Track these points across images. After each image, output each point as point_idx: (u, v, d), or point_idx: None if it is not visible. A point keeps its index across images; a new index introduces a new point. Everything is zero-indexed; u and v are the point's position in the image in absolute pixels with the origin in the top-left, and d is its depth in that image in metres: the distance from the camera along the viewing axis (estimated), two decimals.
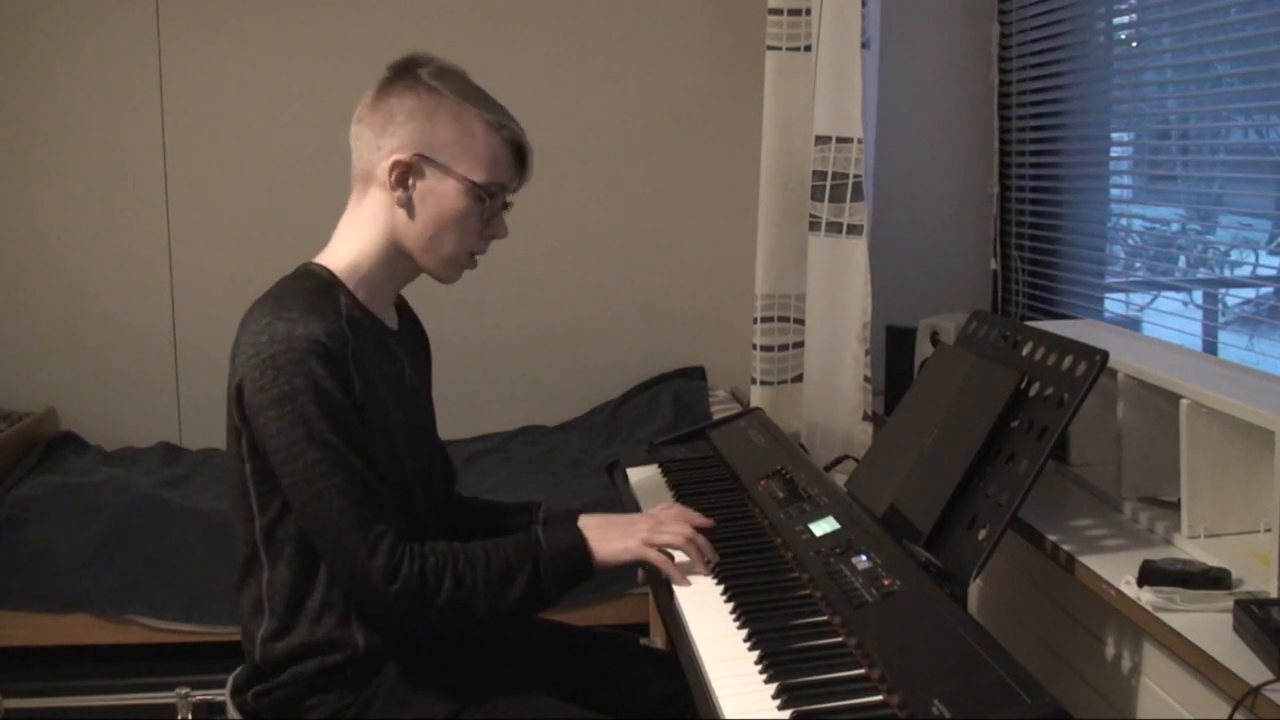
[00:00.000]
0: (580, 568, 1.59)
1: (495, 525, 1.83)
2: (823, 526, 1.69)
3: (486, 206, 1.61)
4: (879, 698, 1.27)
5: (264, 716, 1.59)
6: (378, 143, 1.59)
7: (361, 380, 1.52)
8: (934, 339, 2.50)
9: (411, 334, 1.77)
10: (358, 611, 1.55)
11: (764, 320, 2.76)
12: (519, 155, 1.64)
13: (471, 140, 1.58)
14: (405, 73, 1.60)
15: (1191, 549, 1.67)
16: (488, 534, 1.64)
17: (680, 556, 1.64)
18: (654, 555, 1.62)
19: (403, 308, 1.77)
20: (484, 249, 1.66)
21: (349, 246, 1.62)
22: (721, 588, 1.60)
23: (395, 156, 1.57)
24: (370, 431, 1.52)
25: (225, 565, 2.75)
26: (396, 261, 1.62)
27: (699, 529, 1.67)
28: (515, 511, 1.88)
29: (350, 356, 1.51)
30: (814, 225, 2.59)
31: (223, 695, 1.69)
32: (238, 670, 1.65)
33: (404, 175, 1.57)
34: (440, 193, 1.58)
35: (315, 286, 1.57)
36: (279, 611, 1.56)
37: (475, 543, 1.55)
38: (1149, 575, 1.54)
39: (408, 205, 1.58)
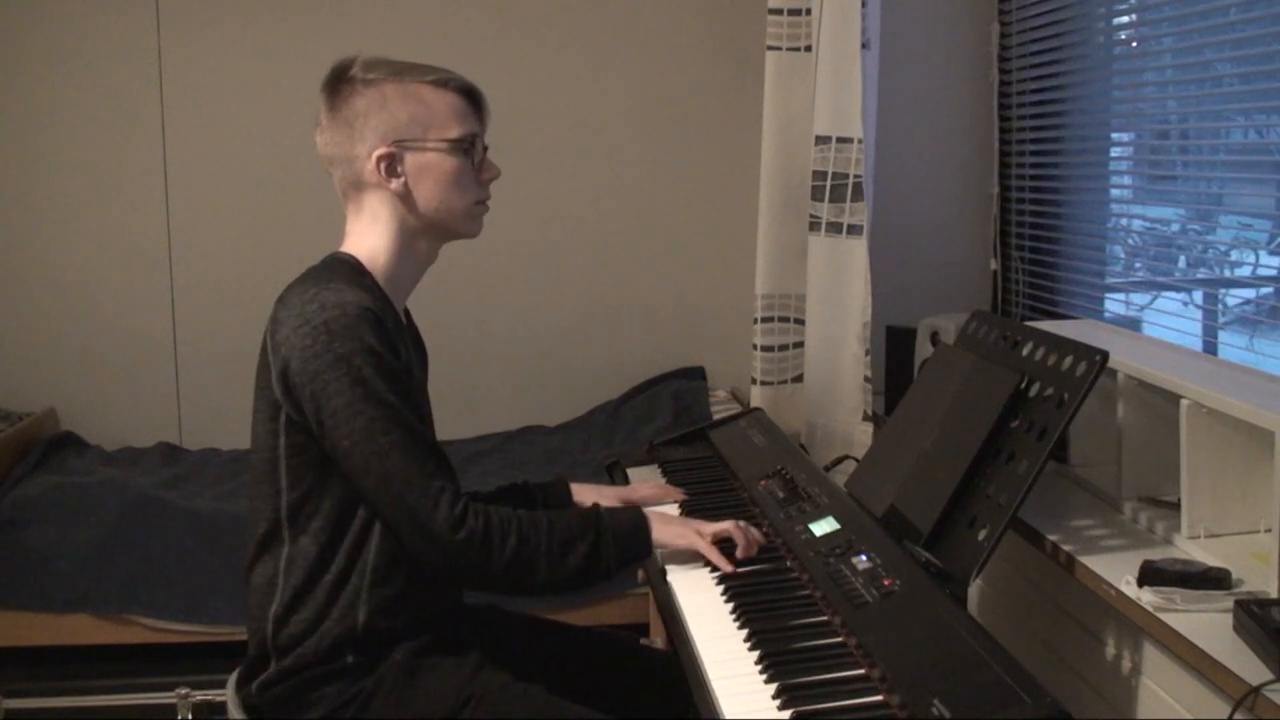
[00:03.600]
0: (640, 546, 1.64)
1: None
2: (823, 526, 1.69)
3: (472, 156, 1.67)
4: (879, 698, 1.27)
5: (267, 710, 1.60)
6: (352, 151, 1.64)
7: (403, 352, 1.58)
8: (934, 339, 2.50)
9: (414, 334, 1.80)
10: (369, 591, 1.56)
11: (764, 320, 2.76)
12: (472, 98, 1.69)
13: (427, 107, 1.64)
14: (340, 80, 1.66)
15: (1191, 549, 1.67)
16: None
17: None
18: (704, 544, 1.66)
19: (405, 313, 1.78)
20: (487, 194, 1.72)
21: (366, 241, 1.67)
22: (721, 588, 1.60)
23: (375, 154, 1.62)
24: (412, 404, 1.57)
25: (225, 565, 2.79)
26: (411, 250, 1.68)
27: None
28: (501, 495, 1.92)
29: (393, 330, 1.57)
30: (814, 225, 2.59)
31: (223, 695, 1.69)
32: (243, 662, 1.65)
33: (391, 166, 1.63)
34: (427, 165, 1.64)
35: (351, 269, 1.63)
36: (294, 586, 1.57)
37: (539, 513, 1.59)
38: (1149, 575, 1.54)
39: (405, 190, 1.64)
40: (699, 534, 1.67)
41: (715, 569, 1.65)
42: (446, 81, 1.66)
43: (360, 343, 1.51)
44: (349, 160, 1.64)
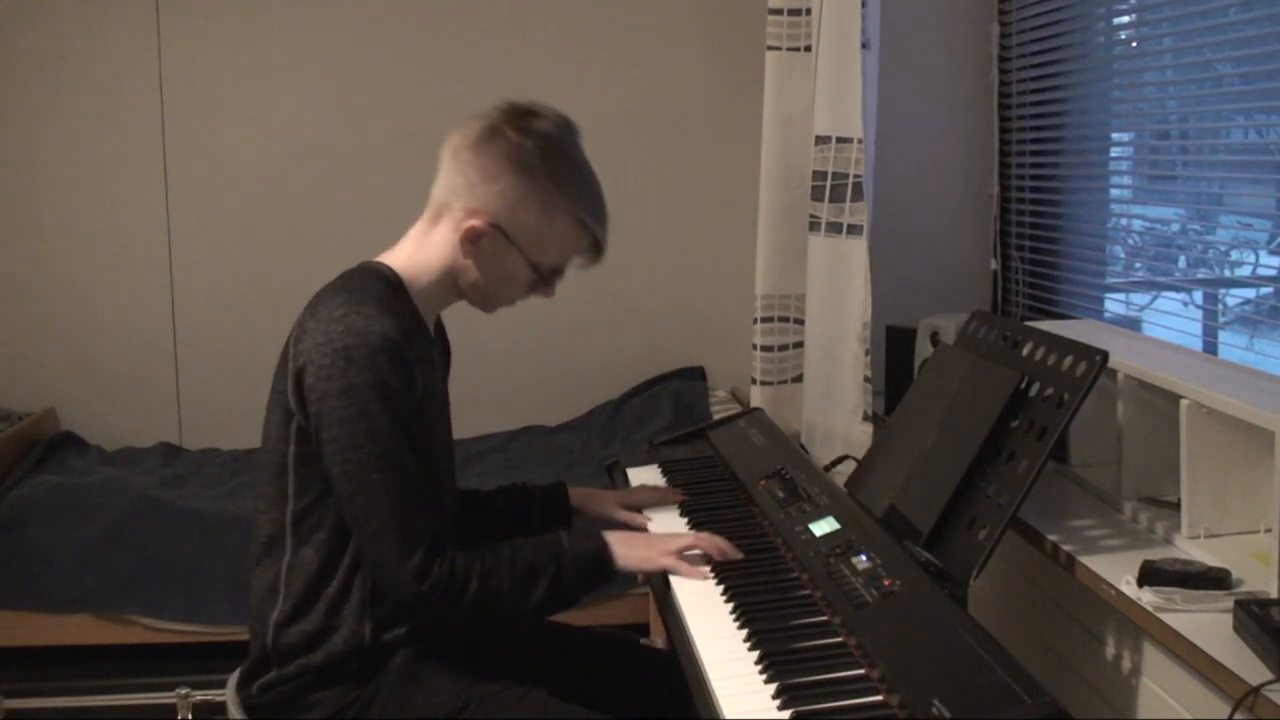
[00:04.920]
0: (603, 572, 1.62)
1: (483, 511, 1.89)
2: (823, 526, 1.69)
3: (546, 282, 1.68)
4: (879, 698, 1.27)
5: (267, 711, 1.60)
6: (465, 191, 1.62)
7: (421, 381, 1.57)
8: (934, 339, 2.50)
9: (442, 343, 1.81)
10: (372, 604, 1.57)
11: (764, 320, 2.76)
12: (594, 249, 1.70)
13: (550, 232, 1.63)
14: (517, 128, 1.62)
15: (1191, 549, 1.67)
16: (477, 521, 1.81)
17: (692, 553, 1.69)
18: (672, 563, 1.65)
19: (437, 322, 1.80)
20: (526, 298, 1.72)
21: (418, 259, 1.67)
22: (721, 588, 1.60)
23: (472, 222, 1.61)
24: (423, 428, 1.57)
25: (225, 565, 2.79)
26: (450, 289, 1.69)
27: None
28: (500, 496, 1.93)
29: (415, 358, 1.56)
30: (814, 225, 2.59)
31: (223, 695, 1.69)
32: (243, 663, 1.65)
33: (475, 237, 1.62)
34: (501, 259, 1.64)
35: (385, 287, 1.61)
36: (295, 595, 1.58)
37: (502, 544, 1.58)
38: (1149, 575, 1.54)
39: (473, 258, 1.64)
40: (664, 553, 1.65)
41: (715, 569, 1.65)
42: (586, 226, 1.65)
43: (375, 375, 1.50)
44: (456, 189, 1.63)
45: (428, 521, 1.52)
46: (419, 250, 1.67)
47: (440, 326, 1.81)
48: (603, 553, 1.62)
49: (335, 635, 1.57)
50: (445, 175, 1.65)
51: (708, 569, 1.65)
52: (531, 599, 1.56)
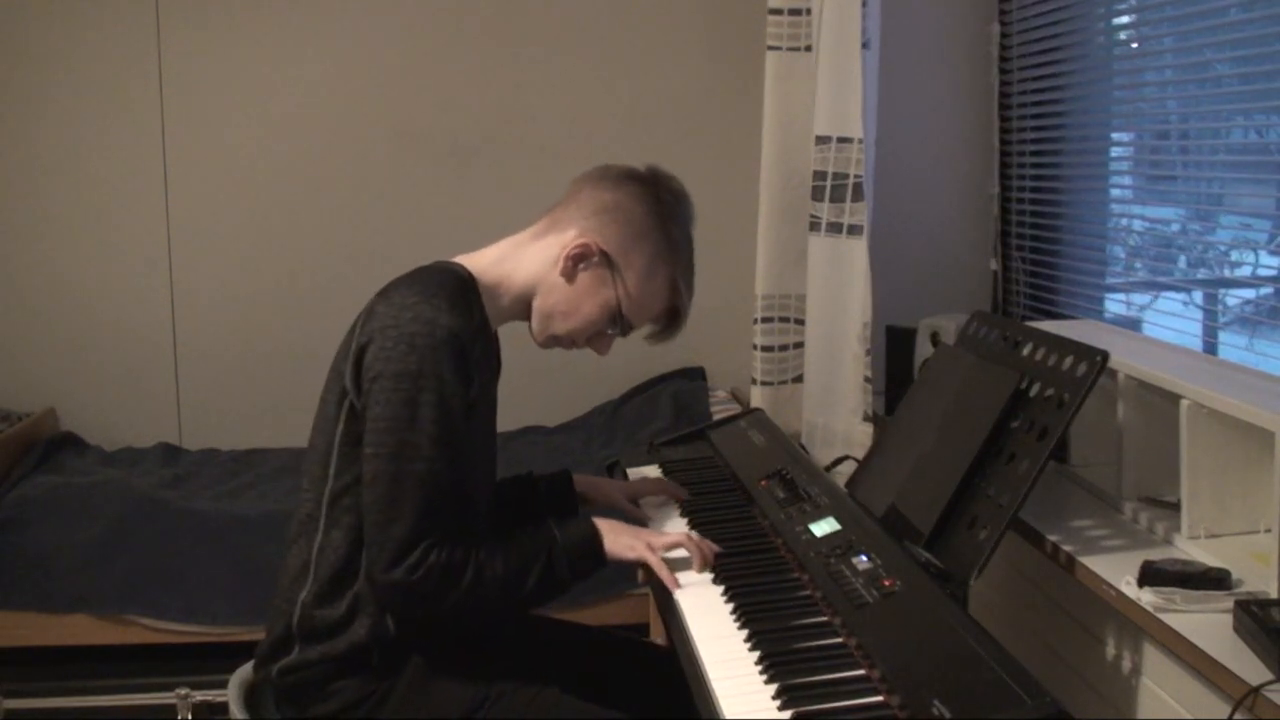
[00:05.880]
0: (594, 558, 1.64)
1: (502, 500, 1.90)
2: (823, 527, 1.69)
3: (612, 327, 1.72)
4: (879, 698, 1.27)
5: (284, 696, 1.61)
6: (588, 214, 1.69)
7: (477, 383, 1.58)
8: (934, 339, 2.50)
9: (497, 350, 1.82)
10: None
11: (764, 320, 2.76)
12: (671, 319, 1.75)
13: (650, 284, 1.70)
14: (652, 186, 1.71)
15: (1191, 549, 1.67)
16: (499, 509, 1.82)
17: (681, 553, 1.68)
18: (654, 558, 1.65)
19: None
20: (580, 348, 1.76)
21: (504, 266, 1.70)
22: (722, 588, 1.60)
23: (590, 239, 1.66)
24: (471, 430, 1.59)
25: (225, 565, 2.79)
26: (522, 305, 1.72)
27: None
28: (506, 487, 1.94)
29: (476, 359, 1.58)
30: (814, 225, 2.59)
31: (223, 695, 1.69)
32: (264, 640, 1.65)
33: (583, 256, 1.67)
34: (594, 289, 1.68)
35: (460, 285, 1.63)
36: (324, 578, 1.58)
37: (496, 538, 1.59)
38: (1149, 575, 1.54)
39: (567, 275, 1.68)
40: (649, 547, 1.66)
41: (715, 569, 1.65)
42: (679, 293, 1.71)
43: (434, 366, 1.51)
44: (579, 211, 1.68)
45: (444, 524, 1.52)
46: (508, 258, 1.70)
47: (496, 336, 1.82)
48: (594, 538, 1.64)
49: (358, 624, 1.57)
50: (571, 199, 1.71)
51: (682, 574, 1.65)
52: (525, 587, 1.56)
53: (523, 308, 1.72)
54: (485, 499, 1.76)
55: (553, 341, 1.74)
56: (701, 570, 1.66)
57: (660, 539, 1.68)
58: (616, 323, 1.70)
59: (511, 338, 1.80)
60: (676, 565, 1.67)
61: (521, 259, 1.70)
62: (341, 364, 1.60)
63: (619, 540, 1.66)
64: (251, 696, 1.68)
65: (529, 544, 1.59)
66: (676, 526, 1.86)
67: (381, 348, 1.53)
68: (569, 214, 1.70)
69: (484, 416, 1.68)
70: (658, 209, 1.69)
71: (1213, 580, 1.53)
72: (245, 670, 1.70)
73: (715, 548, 1.70)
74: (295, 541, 1.63)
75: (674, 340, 1.80)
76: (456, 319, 1.54)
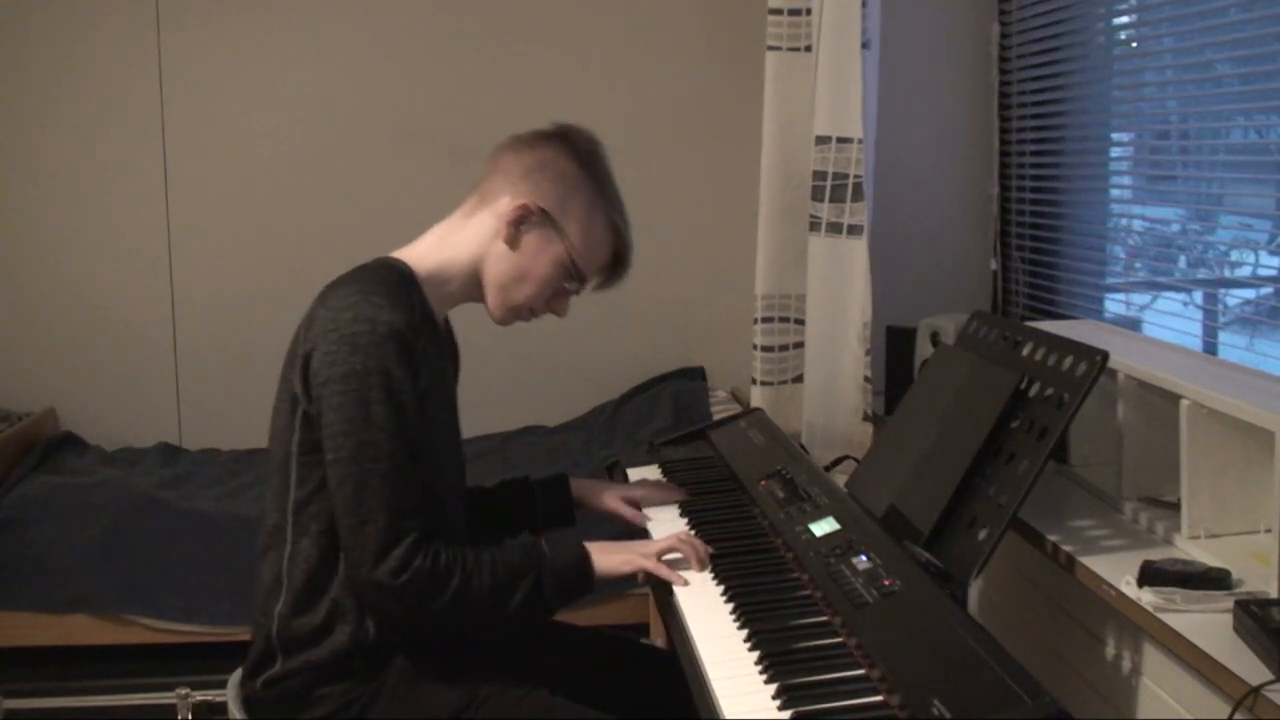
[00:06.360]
0: (583, 581, 1.63)
1: (485, 505, 1.89)
2: (823, 527, 1.69)
3: (566, 286, 1.71)
4: (879, 698, 1.27)
5: (270, 706, 1.60)
6: (517, 179, 1.68)
7: (426, 376, 1.58)
8: (934, 339, 2.50)
9: (451, 345, 1.82)
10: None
11: (764, 320, 2.76)
12: (617, 262, 1.76)
13: (591, 229, 1.70)
14: (569, 140, 1.72)
15: (1191, 549, 1.67)
16: (479, 516, 1.82)
17: (675, 555, 1.68)
18: (651, 564, 1.65)
19: (445, 321, 1.81)
20: (537, 316, 1.76)
21: (440, 253, 1.69)
22: (722, 588, 1.60)
23: (526, 199, 1.66)
24: (429, 422, 1.58)
25: (225, 565, 2.79)
26: (473, 285, 1.71)
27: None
28: (502, 490, 1.94)
29: (421, 351, 1.57)
30: (814, 225, 2.59)
31: (223, 695, 1.69)
32: (247, 658, 1.65)
33: (524, 218, 1.66)
34: (542, 248, 1.68)
35: (398, 280, 1.62)
36: (298, 587, 1.58)
37: (484, 549, 1.57)
38: (1149, 575, 1.54)
39: (511, 242, 1.67)
40: (644, 556, 1.66)
41: (715, 569, 1.65)
42: (620, 233, 1.73)
43: (379, 363, 1.51)
44: (508, 180, 1.68)
45: (418, 518, 1.51)
46: (444, 244, 1.70)
47: (449, 327, 1.81)
48: (583, 561, 1.63)
49: (338, 630, 1.56)
50: (495, 170, 1.71)
51: (687, 573, 1.65)
52: (510, 605, 1.55)
53: (472, 288, 1.71)
54: (456, 494, 1.75)
55: (512, 314, 1.72)
56: (701, 569, 1.66)
57: (652, 547, 1.68)
58: (572, 276, 1.70)
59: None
60: (674, 567, 1.67)
61: (460, 240, 1.69)
62: (289, 372, 1.59)
63: (611, 558, 1.65)
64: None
65: (518, 560, 1.58)
66: (676, 526, 1.86)
67: (326, 352, 1.52)
68: (496, 184, 1.69)
69: (443, 409, 1.68)
70: (581, 158, 1.70)
71: (1213, 580, 1.53)
72: None
73: (707, 547, 1.69)
74: (265, 554, 1.62)
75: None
76: (397, 314, 1.54)
